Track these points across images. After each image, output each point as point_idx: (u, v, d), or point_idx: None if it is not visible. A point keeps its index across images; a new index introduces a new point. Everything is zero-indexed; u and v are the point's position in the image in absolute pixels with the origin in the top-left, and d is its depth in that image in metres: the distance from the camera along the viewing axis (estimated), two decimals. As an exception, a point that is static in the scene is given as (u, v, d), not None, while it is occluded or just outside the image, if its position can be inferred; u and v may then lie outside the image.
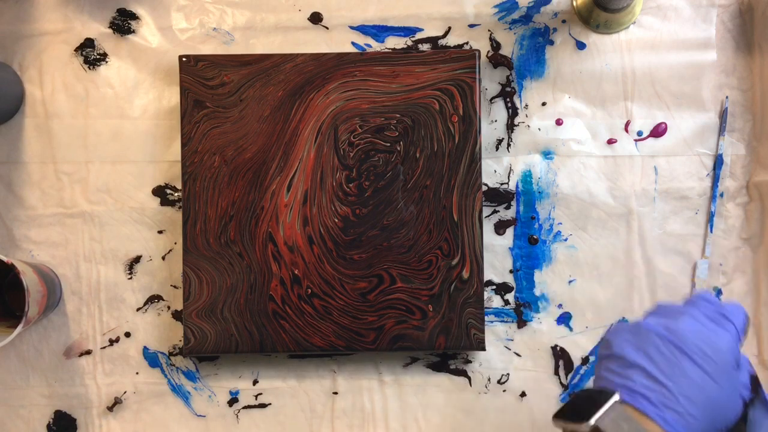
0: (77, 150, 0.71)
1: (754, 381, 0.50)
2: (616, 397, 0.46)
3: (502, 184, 0.71)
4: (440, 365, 0.70)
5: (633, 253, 0.70)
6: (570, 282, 0.70)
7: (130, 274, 0.71)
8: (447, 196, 0.68)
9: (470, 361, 0.70)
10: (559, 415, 0.48)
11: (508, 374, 0.70)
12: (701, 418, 0.46)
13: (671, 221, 0.70)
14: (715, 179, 0.70)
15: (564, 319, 0.70)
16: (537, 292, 0.70)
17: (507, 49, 0.71)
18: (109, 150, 0.71)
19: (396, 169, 0.68)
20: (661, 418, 0.45)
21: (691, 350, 0.47)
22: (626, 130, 0.71)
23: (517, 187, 0.71)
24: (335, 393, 0.70)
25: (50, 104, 0.71)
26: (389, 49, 0.71)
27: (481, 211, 0.68)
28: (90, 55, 0.71)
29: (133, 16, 0.72)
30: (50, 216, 0.71)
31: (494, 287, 0.71)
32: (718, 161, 0.70)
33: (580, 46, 0.71)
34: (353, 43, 0.71)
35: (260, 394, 0.70)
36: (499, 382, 0.70)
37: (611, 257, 0.70)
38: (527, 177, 0.71)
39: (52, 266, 0.71)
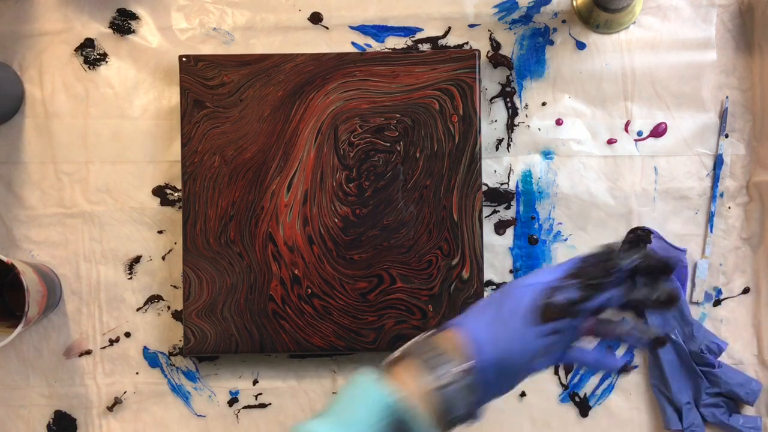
0: (77, 150, 0.71)
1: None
2: None
3: (502, 184, 0.71)
4: (440, 365, 0.70)
5: (633, 253, 0.70)
6: (570, 282, 0.70)
7: (130, 274, 0.71)
8: (447, 196, 0.68)
9: (470, 361, 0.70)
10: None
11: (508, 374, 0.70)
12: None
13: (671, 221, 0.70)
14: (715, 179, 0.70)
15: (564, 319, 0.70)
16: (537, 292, 0.70)
17: (507, 49, 0.71)
18: (109, 150, 0.71)
19: (396, 169, 0.68)
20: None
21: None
22: (626, 130, 0.71)
23: (517, 187, 0.71)
24: (335, 393, 0.70)
25: (50, 104, 0.71)
26: (389, 49, 0.71)
27: (481, 211, 0.68)
28: (90, 55, 0.71)
29: (133, 16, 0.72)
30: (50, 216, 0.71)
31: (494, 287, 0.70)
32: (718, 161, 0.70)
33: (580, 46, 0.71)
34: (353, 43, 0.71)
35: (260, 394, 0.70)
36: (499, 382, 0.70)
37: (611, 257, 0.70)
38: (527, 177, 0.71)
39: (52, 266, 0.71)
